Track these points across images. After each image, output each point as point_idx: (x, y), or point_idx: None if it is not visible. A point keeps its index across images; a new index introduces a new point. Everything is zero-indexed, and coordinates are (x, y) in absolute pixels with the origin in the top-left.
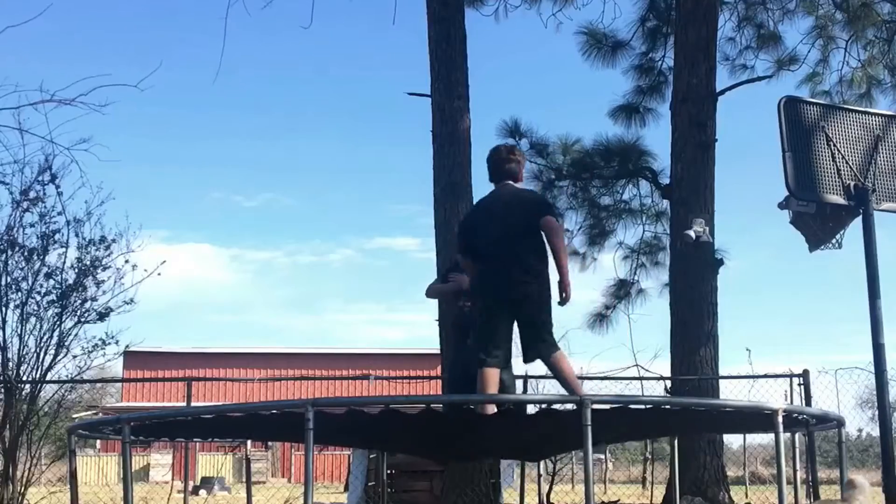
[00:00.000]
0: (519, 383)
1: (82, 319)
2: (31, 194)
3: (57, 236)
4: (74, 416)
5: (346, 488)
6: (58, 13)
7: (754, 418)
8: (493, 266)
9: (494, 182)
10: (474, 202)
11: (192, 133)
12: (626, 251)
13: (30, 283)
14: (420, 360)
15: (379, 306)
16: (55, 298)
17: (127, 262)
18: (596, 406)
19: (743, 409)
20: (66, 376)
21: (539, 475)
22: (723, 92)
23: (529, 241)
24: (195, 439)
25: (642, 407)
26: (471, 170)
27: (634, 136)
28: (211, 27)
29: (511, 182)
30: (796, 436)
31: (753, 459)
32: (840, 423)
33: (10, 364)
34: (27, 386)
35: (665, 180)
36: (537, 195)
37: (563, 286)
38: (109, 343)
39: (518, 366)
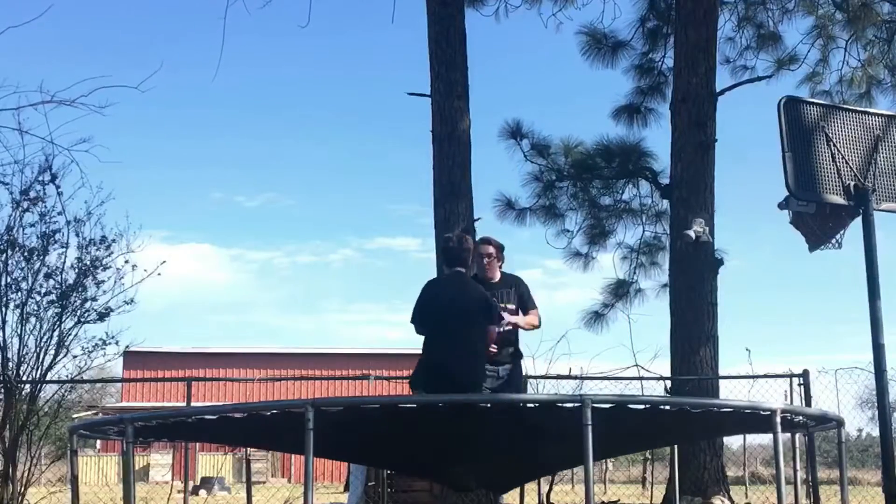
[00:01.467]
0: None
1: (82, 319)
2: (31, 194)
3: (57, 236)
4: (74, 416)
5: (346, 488)
6: (58, 14)
7: (754, 419)
8: (452, 351)
9: (448, 268)
10: (473, 204)
11: (192, 133)
12: (625, 251)
13: (30, 283)
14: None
15: (379, 306)
16: (55, 298)
17: (127, 262)
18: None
19: (742, 409)
20: (66, 376)
21: None
22: (723, 92)
23: (481, 336)
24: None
25: (641, 407)
26: (471, 170)
27: (636, 137)
28: (212, 27)
29: (462, 270)
30: (796, 436)
31: (753, 459)
32: (839, 423)
33: (10, 364)
34: (27, 386)
35: (665, 180)
36: (490, 301)
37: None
38: (109, 343)
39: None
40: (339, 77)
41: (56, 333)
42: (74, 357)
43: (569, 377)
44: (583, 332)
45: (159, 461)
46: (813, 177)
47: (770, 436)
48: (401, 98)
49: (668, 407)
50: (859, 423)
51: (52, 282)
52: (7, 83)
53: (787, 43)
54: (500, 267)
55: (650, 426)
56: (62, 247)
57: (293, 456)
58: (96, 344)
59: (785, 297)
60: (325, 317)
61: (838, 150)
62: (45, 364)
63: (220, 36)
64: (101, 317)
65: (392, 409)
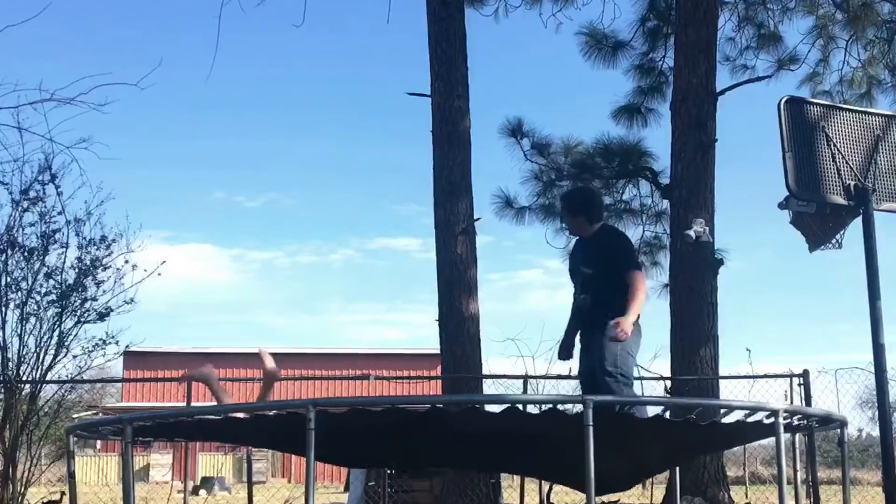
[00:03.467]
0: (519, 383)
1: (82, 319)
2: (31, 194)
3: (57, 236)
4: (74, 416)
5: (346, 488)
6: (57, 12)
7: (759, 426)
8: None
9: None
10: (474, 203)
11: (194, 133)
12: None
13: (30, 283)
14: (420, 360)
15: (380, 306)
16: (55, 298)
17: (127, 262)
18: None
19: (744, 408)
20: (66, 376)
21: None
22: (723, 92)
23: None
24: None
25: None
26: (471, 170)
27: (636, 137)
28: (214, 26)
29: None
30: (797, 436)
31: (753, 459)
32: (843, 423)
33: (10, 364)
34: (27, 386)
35: (665, 180)
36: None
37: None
38: (109, 343)
39: (518, 367)
40: (340, 77)
41: (56, 333)
42: (74, 357)
43: (569, 377)
44: None
45: (159, 461)
46: (813, 177)
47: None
48: (401, 98)
49: (668, 413)
50: (859, 422)
51: (52, 282)
52: (6, 81)
53: (788, 43)
54: (588, 221)
55: (653, 437)
56: (62, 247)
57: (293, 455)
58: (96, 344)
59: (785, 297)
60: (326, 317)
61: (838, 149)
62: (45, 364)
63: (219, 35)
64: (101, 317)
65: (394, 409)
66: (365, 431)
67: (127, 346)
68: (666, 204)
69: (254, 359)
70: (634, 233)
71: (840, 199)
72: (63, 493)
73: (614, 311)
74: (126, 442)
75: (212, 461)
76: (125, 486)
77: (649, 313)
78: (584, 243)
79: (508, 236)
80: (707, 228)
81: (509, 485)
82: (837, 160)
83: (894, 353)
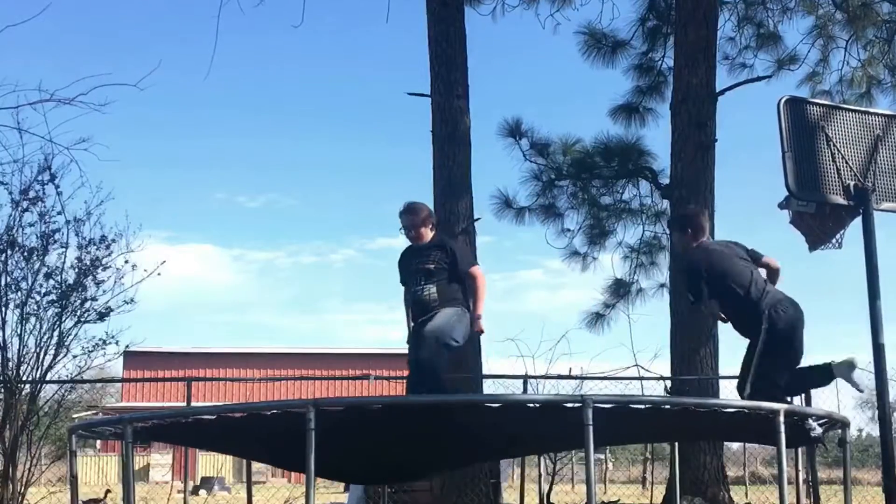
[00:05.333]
0: (519, 383)
1: (82, 319)
2: (31, 194)
3: (57, 236)
4: (74, 416)
5: (346, 488)
6: (56, 12)
7: (760, 426)
8: None
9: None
10: (474, 203)
11: (195, 134)
12: (625, 251)
13: (30, 283)
14: None
15: (380, 306)
16: (55, 298)
17: (127, 262)
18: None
19: (745, 408)
20: (66, 376)
21: (539, 475)
22: (723, 92)
23: None
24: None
25: (642, 407)
26: (471, 170)
27: (634, 136)
28: (214, 26)
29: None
30: None
31: (753, 459)
32: (845, 424)
33: (10, 364)
34: (27, 386)
35: (665, 180)
36: None
37: None
38: (109, 343)
39: (518, 367)
40: (341, 77)
41: (56, 333)
42: (74, 357)
43: (569, 377)
44: (583, 332)
45: (159, 461)
46: (813, 176)
47: None
48: (401, 98)
49: (669, 406)
50: (859, 422)
51: (52, 282)
52: (6, 82)
53: (788, 43)
54: (433, 231)
55: (651, 428)
56: (62, 247)
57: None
58: (96, 344)
59: None
60: (326, 317)
61: (838, 149)
62: (45, 364)
63: (224, 34)
64: (101, 317)
65: (393, 409)
66: (364, 439)
67: (127, 346)
68: (666, 204)
69: (254, 359)
70: (634, 233)
71: (840, 199)
72: (108, 491)
73: (455, 301)
74: (127, 442)
75: (212, 461)
76: (126, 486)
77: (650, 313)
78: (421, 248)
79: (508, 236)
80: None
81: (510, 485)
82: (837, 160)
83: (894, 353)
